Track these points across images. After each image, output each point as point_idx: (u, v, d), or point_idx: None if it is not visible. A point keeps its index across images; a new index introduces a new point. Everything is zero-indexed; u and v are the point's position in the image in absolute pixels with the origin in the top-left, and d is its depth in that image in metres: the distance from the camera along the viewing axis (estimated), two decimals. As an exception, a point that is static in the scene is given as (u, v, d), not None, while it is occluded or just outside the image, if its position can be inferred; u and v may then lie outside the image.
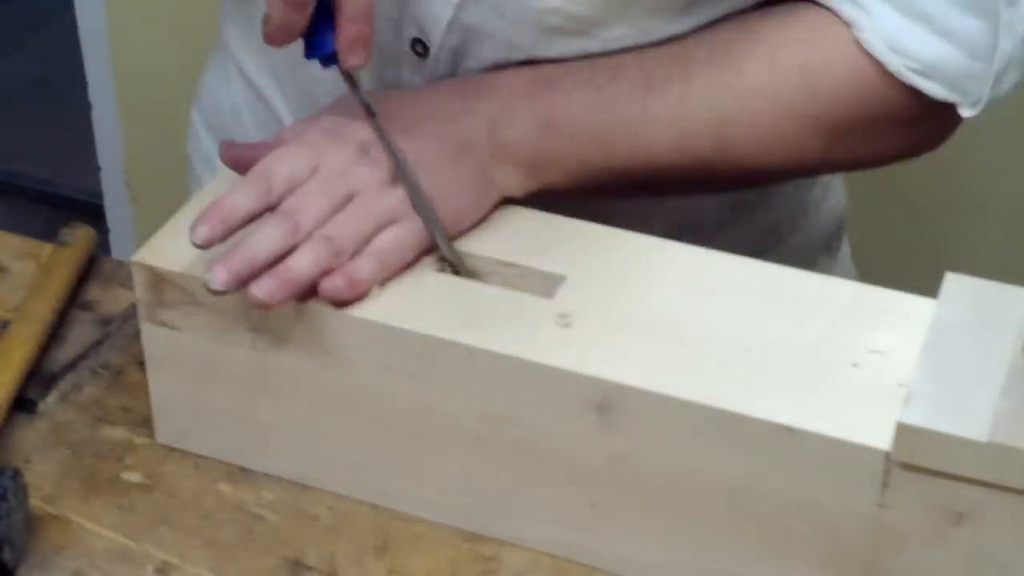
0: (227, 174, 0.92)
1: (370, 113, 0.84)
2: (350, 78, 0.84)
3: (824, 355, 0.80)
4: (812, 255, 1.10)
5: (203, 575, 0.84)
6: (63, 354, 0.97)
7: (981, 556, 0.75)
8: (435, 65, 0.94)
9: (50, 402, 0.94)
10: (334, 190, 0.85)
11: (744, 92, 0.90)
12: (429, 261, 0.86)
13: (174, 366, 0.88)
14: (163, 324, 0.87)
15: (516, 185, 0.90)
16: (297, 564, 0.84)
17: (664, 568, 0.82)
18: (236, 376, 0.87)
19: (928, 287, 0.83)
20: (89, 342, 0.98)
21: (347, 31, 0.82)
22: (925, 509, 0.75)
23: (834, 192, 1.12)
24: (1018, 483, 0.72)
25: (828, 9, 0.89)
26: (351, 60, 0.82)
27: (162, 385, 0.90)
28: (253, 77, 1.07)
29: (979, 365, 0.76)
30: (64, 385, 0.95)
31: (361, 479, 0.87)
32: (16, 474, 0.82)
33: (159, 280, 0.85)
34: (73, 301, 1.01)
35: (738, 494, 0.78)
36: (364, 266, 0.83)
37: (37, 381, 0.95)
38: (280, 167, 0.85)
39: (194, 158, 1.19)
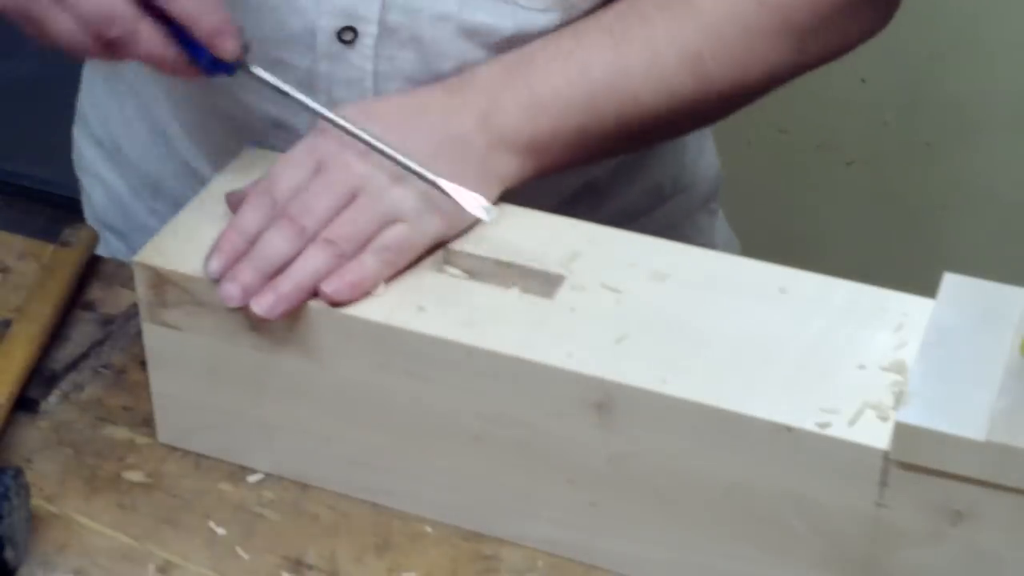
0: (228, 173, 0.92)
1: (313, 111, 0.86)
2: (261, 79, 0.86)
3: (823, 355, 0.80)
4: (693, 215, 1.15)
5: (204, 574, 0.84)
6: (65, 354, 0.97)
7: (979, 555, 0.75)
8: (362, 52, 0.94)
9: (52, 402, 0.94)
10: (336, 188, 0.85)
11: (706, 25, 0.91)
12: (429, 261, 0.86)
13: (175, 366, 0.88)
14: (164, 324, 0.87)
15: (516, 172, 0.91)
16: (298, 563, 0.84)
17: (663, 567, 0.83)
18: (237, 376, 0.87)
19: (927, 287, 0.83)
20: (90, 342, 0.98)
21: (199, 31, 0.83)
22: (923, 508, 0.75)
23: (707, 153, 1.17)
24: (1016, 482, 0.73)
25: None
26: (225, 50, 0.84)
27: (163, 385, 0.90)
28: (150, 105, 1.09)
29: (977, 365, 0.76)
30: (66, 385, 0.95)
31: (361, 478, 0.87)
32: (18, 473, 0.83)
33: (160, 280, 0.85)
34: (75, 301, 1.01)
35: (737, 493, 0.78)
36: (367, 265, 0.83)
37: (39, 381, 0.95)
38: (282, 176, 0.86)
39: (83, 177, 1.20)
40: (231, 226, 0.85)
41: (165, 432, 0.91)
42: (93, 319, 1.00)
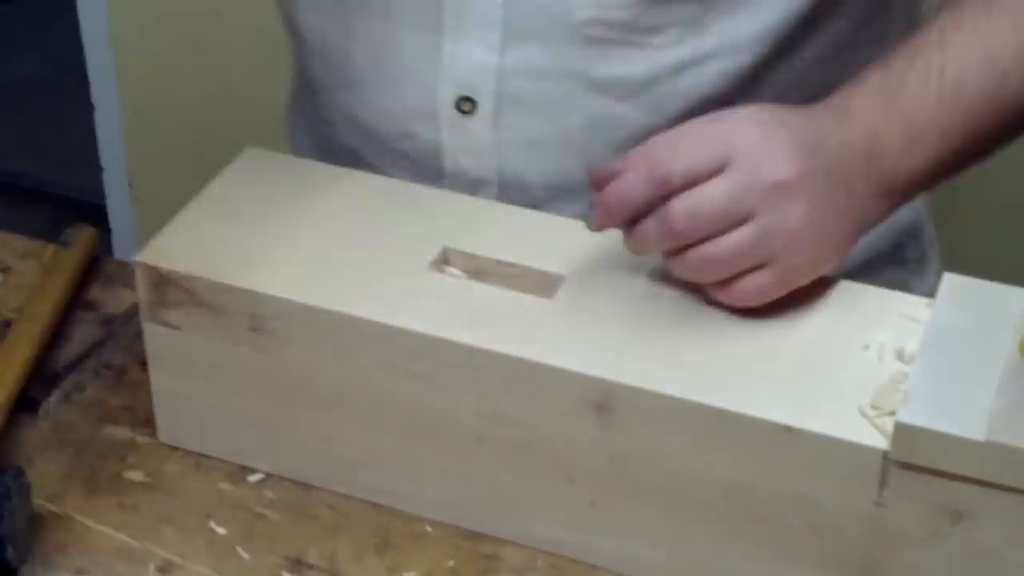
0: (229, 173, 0.92)
1: None
2: None
3: (823, 355, 0.80)
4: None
5: (205, 573, 0.84)
6: (66, 354, 0.97)
7: (978, 554, 0.75)
8: (482, 121, 0.93)
9: (53, 402, 0.94)
10: (733, 208, 0.78)
11: None
12: (429, 261, 0.86)
13: (176, 366, 0.89)
14: (165, 324, 0.87)
15: (885, 214, 0.84)
16: (298, 562, 0.84)
17: (663, 566, 0.83)
18: (237, 375, 0.87)
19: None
20: (91, 342, 0.98)
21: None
22: (923, 508, 0.75)
23: None
24: (1015, 482, 0.73)
25: None
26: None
27: (164, 385, 0.90)
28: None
29: (977, 365, 0.76)
30: (66, 385, 0.95)
31: (361, 478, 0.87)
32: (19, 473, 0.83)
33: (161, 280, 0.86)
34: (75, 301, 1.01)
35: (737, 493, 0.78)
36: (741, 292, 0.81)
37: (40, 381, 0.95)
38: (678, 158, 0.79)
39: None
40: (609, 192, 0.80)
41: (166, 432, 0.91)
42: (94, 319, 1.00)
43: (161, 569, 0.84)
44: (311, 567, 0.84)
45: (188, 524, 0.87)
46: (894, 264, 1.06)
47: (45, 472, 0.90)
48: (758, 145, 0.78)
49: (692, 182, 0.78)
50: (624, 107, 0.92)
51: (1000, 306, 0.80)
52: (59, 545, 0.85)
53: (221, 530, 0.86)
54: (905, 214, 1.06)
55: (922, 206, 1.09)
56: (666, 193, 0.78)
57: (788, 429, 0.76)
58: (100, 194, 2.31)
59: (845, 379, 0.78)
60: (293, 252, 0.87)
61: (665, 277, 0.85)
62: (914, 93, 0.83)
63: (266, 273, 0.85)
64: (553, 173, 0.93)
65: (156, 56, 2.13)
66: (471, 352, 0.80)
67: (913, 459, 0.74)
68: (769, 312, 0.82)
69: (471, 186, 0.97)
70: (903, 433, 0.74)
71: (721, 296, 0.81)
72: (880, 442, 0.75)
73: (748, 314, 0.82)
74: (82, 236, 1.04)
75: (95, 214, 2.27)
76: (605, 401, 0.79)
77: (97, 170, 2.27)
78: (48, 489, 0.89)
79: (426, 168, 0.98)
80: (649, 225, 0.80)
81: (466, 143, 0.95)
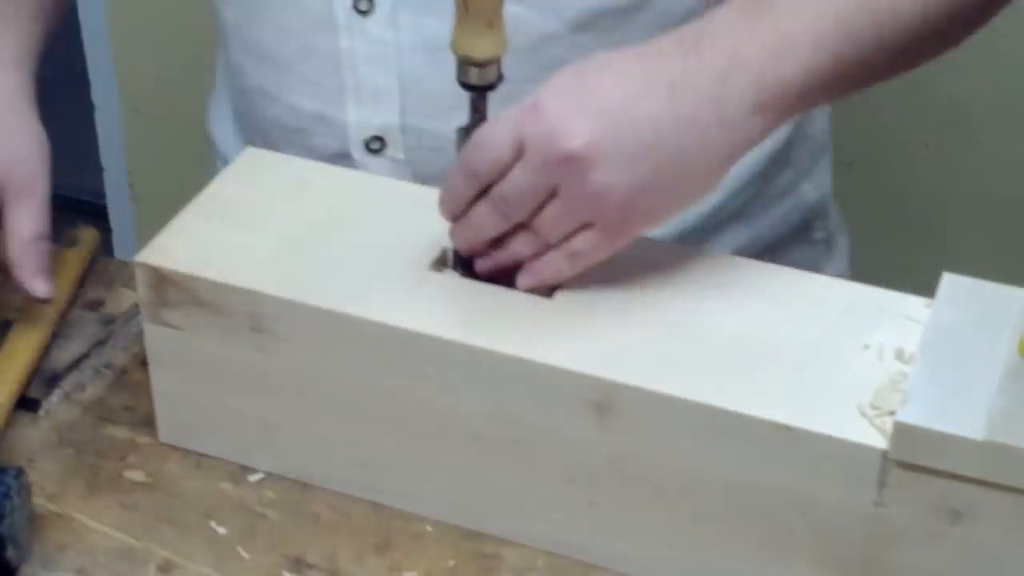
0: (229, 173, 0.92)
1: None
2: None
3: (822, 355, 0.80)
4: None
5: (205, 573, 0.84)
6: (66, 354, 0.98)
7: (977, 554, 0.76)
8: (378, 22, 0.93)
9: (53, 401, 0.94)
10: (538, 186, 0.80)
11: None
12: (430, 261, 0.86)
13: (176, 366, 0.89)
14: (166, 324, 0.87)
15: (764, 128, 0.82)
16: (298, 562, 0.84)
17: (663, 566, 0.83)
18: (238, 375, 0.87)
19: (926, 287, 0.83)
20: (92, 342, 0.98)
21: (16, 275, 0.92)
22: (922, 507, 0.75)
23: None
24: (1014, 481, 0.73)
25: None
26: (37, 290, 0.93)
27: (164, 384, 0.90)
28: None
29: (976, 365, 0.76)
30: (67, 385, 0.96)
31: (362, 478, 0.88)
32: (19, 473, 0.83)
33: (162, 280, 0.86)
34: (76, 301, 1.01)
35: (737, 492, 0.79)
36: (557, 267, 0.83)
37: (40, 381, 0.95)
38: (482, 151, 0.81)
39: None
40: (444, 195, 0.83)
41: (166, 432, 0.92)
42: (94, 319, 1.00)
43: (161, 569, 0.84)
44: (311, 567, 0.84)
45: (188, 524, 0.87)
46: (804, 243, 1.09)
47: (45, 472, 0.90)
48: (550, 119, 0.79)
49: (500, 172, 0.80)
50: (521, 8, 0.91)
51: (1000, 306, 0.80)
52: (59, 545, 0.86)
53: (221, 530, 0.86)
54: (810, 191, 1.09)
55: (827, 185, 1.11)
56: (484, 186, 0.81)
57: (788, 429, 0.76)
58: (100, 194, 2.31)
59: (845, 379, 0.79)
60: (293, 252, 0.87)
61: (665, 276, 0.85)
62: (785, 2, 0.82)
63: (266, 273, 0.85)
64: (452, 81, 0.89)
65: (156, 56, 2.13)
66: (471, 352, 0.80)
67: (912, 459, 0.74)
68: (769, 312, 0.82)
69: (373, 100, 0.97)
70: (902, 433, 0.74)
71: (565, 264, 0.82)
72: (879, 442, 0.75)
73: (748, 315, 0.82)
74: (82, 236, 1.04)
75: (95, 214, 2.27)
76: (605, 401, 0.79)
77: (97, 170, 2.27)
78: (48, 489, 0.89)
79: (327, 88, 0.98)
80: (474, 217, 0.82)
81: (365, 47, 0.96)
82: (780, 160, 1.06)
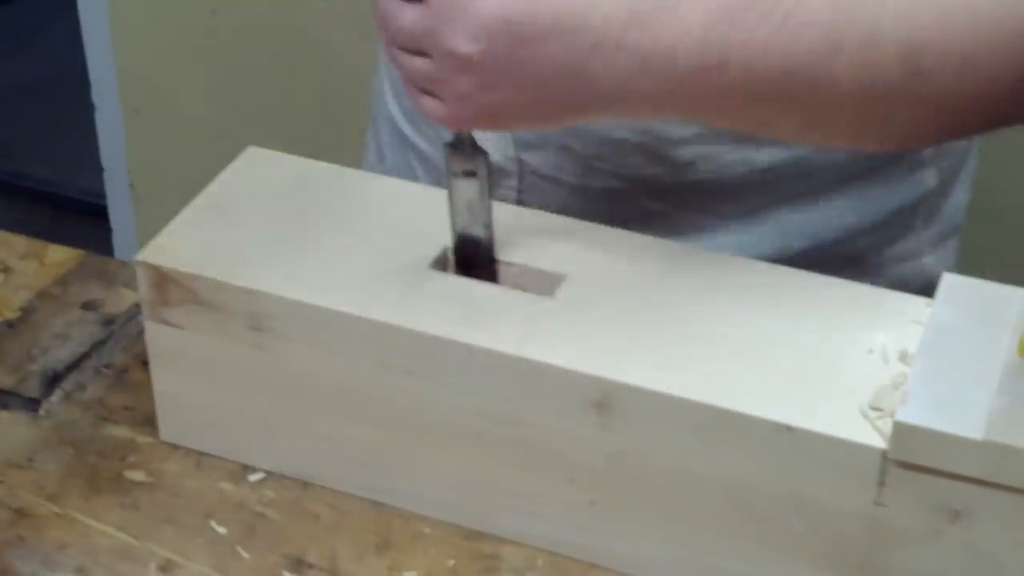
0: (229, 173, 0.92)
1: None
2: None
3: (823, 355, 0.80)
4: None
5: (205, 573, 0.84)
6: (66, 353, 0.98)
7: (977, 554, 0.76)
8: None
9: (53, 401, 0.95)
10: (416, 35, 0.79)
11: (938, 13, 0.77)
12: (429, 260, 0.86)
13: (177, 365, 0.89)
14: (166, 323, 0.87)
15: (646, 97, 0.80)
16: (298, 562, 0.85)
17: (663, 565, 0.83)
18: (238, 375, 0.87)
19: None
20: (92, 341, 0.99)
21: None
22: (921, 507, 0.75)
23: None
24: (1013, 481, 0.73)
25: None
26: None
27: (165, 384, 0.90)
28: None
29: (976, 364, 0.77)
30: (67, 384, 0.96)
31: (362, 477, 0.88)
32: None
33: (163, 279, 0.86)
34: (76, 301, 1.01)
35: (736, 492, 0.79)
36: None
37: (40, 381, 0.95)
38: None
39: (378, 120, 1.15)
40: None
41: (167, 431, 0.92)
42: (95, 319, 1.00)
43: (162, 568, 0.84)
44: (311, 566, 0.84)
45: (189, 523, 0.87)
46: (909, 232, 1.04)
47: (46, 472, 0.90)
48: (462, 8, 0.77)
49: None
50: None
51: (999, 306, 0.80)
52: (60, 544, 0.86)
53: (222, 529, 0.87)
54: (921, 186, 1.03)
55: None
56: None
57: (788, 429, 0.76)
58: (101, 194, 2.31)
59: (845, 379, 0.79)
60: (293, 251, 0.87)
61: (665, 276, 0.85)
62: (751, 27, 0.78)
63: (266, 272, 0.85)
64: None
65: (156, 56, 2.13)
66: (471, 351, 0.81)
67: (912, 459, 0.74)
68: (769, 312, 0.82)
69: None
70: (902, 433, 0.74)
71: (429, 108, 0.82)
72: (879, 442, 0.75)
73: (748, 314, 0.82)
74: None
75: (96, 214, 2.28)
76: (605, 401, 0.79)
77: (97, 170, 2.28)
78: (49, 489, 0.89)
79: None
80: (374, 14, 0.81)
81: None
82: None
